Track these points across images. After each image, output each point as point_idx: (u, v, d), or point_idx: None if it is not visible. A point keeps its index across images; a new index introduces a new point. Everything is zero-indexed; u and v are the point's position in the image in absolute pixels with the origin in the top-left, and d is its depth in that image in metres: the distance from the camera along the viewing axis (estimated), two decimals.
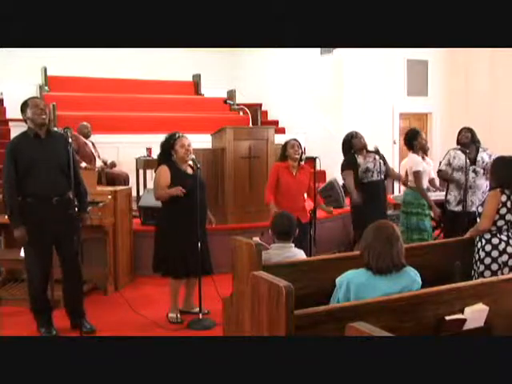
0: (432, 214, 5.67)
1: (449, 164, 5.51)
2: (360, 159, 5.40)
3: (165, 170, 4.45)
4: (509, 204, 3.71)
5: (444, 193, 5.71)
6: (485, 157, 5.44)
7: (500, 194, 3.71)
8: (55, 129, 4.17)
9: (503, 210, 3.72)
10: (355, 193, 5.33)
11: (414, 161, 5.56)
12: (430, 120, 9.79)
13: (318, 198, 5.28)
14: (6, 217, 4.12)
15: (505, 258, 3.72)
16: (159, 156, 4.64)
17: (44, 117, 3.99)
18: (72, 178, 3.90)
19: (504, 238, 3.74)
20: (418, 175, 5.46)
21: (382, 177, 5.37)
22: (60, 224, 3.99)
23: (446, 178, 5.64)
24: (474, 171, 5.36)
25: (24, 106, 4.06)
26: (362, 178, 5.35)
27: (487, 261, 3.72)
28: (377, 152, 5.39)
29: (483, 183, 5.40)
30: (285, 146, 5.12)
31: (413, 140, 5.58)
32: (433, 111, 9.72)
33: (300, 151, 5.06)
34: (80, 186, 4.16)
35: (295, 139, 5.21)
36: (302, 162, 5.24)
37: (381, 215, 4.91)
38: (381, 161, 5.35)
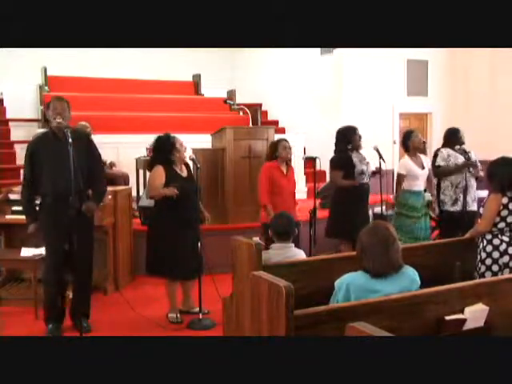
0: (432, 214, 5.68)
1: (445, 161, 5.51)
2: (355, 159, 5.22)
3: (160, 171, 4.44)
4: (510, 206, 3.70)
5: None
6: (474, 157, 5.49)
7: (501, 196, 3.70)
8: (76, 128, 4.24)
9: (504, 212, 3.70)
10: (348, 182, 5.16)
11: (400, 163, 5.70)
12: (429, 120, 9.79)
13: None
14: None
15: (506, 259, 3.71)
16: (154, 156, 4.63)
17: (59, 120, 4.06)
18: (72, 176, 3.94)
19: (506, 239, 3.73)
20: (398, 177, 5.53)
21: (369, 179, 5.34)
22: (74, 223, 3.97)
23: (446, 174, 5.57)
24: (469, 171, 5.37)
25: (48, 106, 4.20)
26: (357, 178, 5.19)
27: (488, 262, 3.72)
28: (376, 151, 5.35)
29: (474, 183, 5.48)
30: (275, 145, 5.10)
31: (406, 140, 5.60)
32: (433, 111, 9.72)
33: (291, 152, 5.05)
34: (99, 184, 4.31)
35: (286, 140, 5.18)
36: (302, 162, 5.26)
37: (365, 218, 5.04)
38: (369, 164, 5.28)
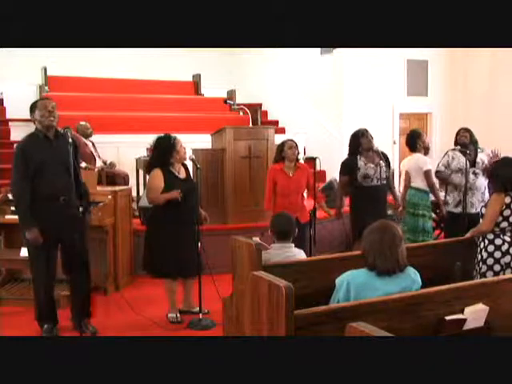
0: (434, 215, 5.69)
1: (447, 165, 5.50)
2: (361, 162, 5.22)
3: (159, 174, 4.43)
4: None
5: (443, 193, 5.72)
6: (484, 158, 5.45)
7: (504, 196, 3.70)
8: (58, 129, 4.11)
9: (507, 212, 3.70)
10: (338, 201, 5.47)
11: (422, 161, 5.58)
12: (429, 120, 9.78)
13: (319, 196, 5.29)
14: (18, 218, 4.07)
15: (507, 259, 3.70)
16: (153, 158, 4.62)
17: (52, 119, 3.97)
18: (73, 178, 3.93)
19: (507, 239, 3.72)
20: (429, 174, 5.49)
21: (383, 182, 5.26)
22: (66, 224, 3.96)
23: (444, 180, 5.62)
24: (474, 173, 5.35)
25: (33, 107, 4.03)
26: (362, 182, 5.21)
27: (490, 261, 3.71)
28: (380, 155, 5.31)
29: (482, 184, 5.41)
30: (282, 146, 5.13)
31: (417, 139, 5.59)
32: (433, 111, 9.72)
33: (297, 152, 5.08)
34: (80, 187, 4.15)
35: (292, 140, 5.21)
36: (302, 161, 5.26)
37: (380, 218, 4.91)
38: (383, 167, 5.23)
